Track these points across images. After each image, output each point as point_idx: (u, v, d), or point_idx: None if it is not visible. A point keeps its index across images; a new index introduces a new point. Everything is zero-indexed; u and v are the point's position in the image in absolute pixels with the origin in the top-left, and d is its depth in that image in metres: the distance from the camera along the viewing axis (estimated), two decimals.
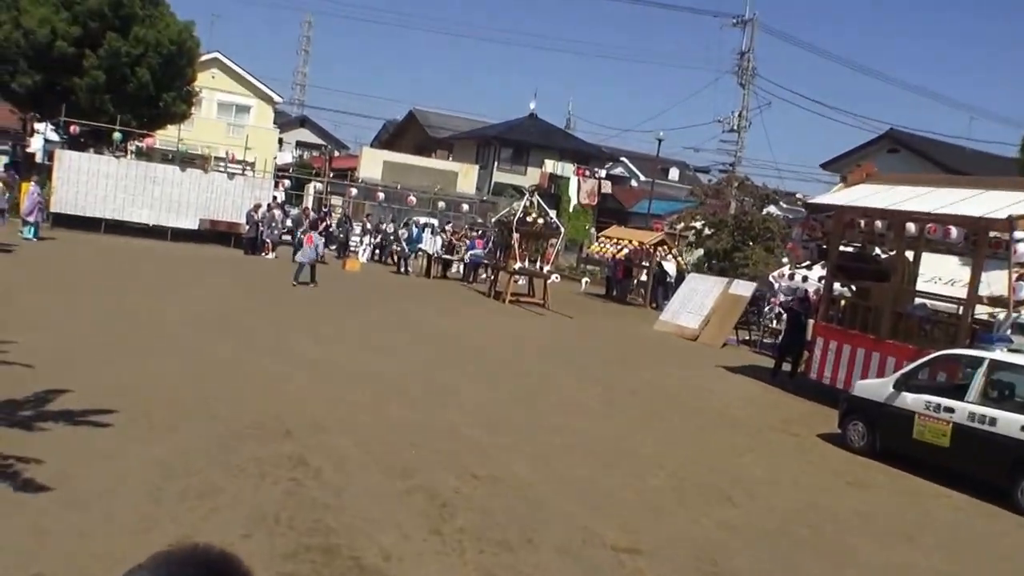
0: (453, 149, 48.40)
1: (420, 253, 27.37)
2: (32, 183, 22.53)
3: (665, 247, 26.17)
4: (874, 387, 10.34)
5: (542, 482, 7.38)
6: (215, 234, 26.30)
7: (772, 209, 29.12)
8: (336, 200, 35.15)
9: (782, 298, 20.40)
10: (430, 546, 5.71)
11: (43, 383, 8.03)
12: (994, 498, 8.58)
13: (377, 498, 6.45)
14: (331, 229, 28.62)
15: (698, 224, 29.61)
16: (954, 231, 11.89)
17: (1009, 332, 10.56)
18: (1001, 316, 11.42)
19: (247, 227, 25.45)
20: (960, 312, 12.53)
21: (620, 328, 20.31)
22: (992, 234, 11.79)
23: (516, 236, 21.81)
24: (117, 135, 25.96)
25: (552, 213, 24.63)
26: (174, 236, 25.40)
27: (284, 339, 12.57)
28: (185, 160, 29.61)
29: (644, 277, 27.13)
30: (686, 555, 6.20)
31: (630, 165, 58.47)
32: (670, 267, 26.41)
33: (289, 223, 27.60)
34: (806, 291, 18.29)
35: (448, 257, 27.39)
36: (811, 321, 15.40)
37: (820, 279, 16.25)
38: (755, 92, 37.50)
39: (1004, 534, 7.92)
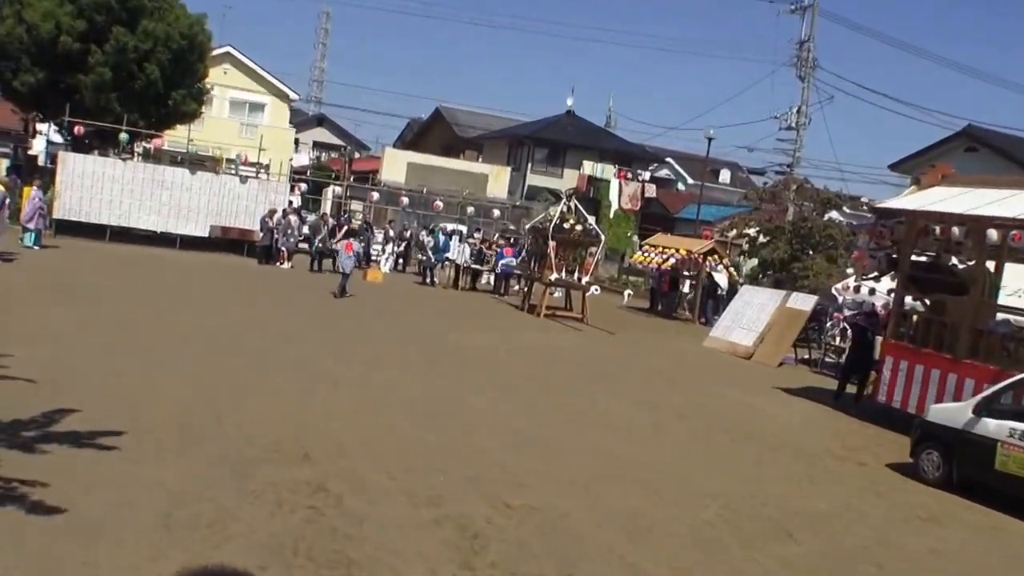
0: (483, 150, 48.69)
1: (447, 263, 27.53)
2: (34, 187, 23.07)
3: (715, 256, 26.09)
4: (951, 412, 10.22)
5: (581, 512, 7.38)
6: (227, 242, 26.67)
7: (834, 215, 28.88)
8: (356, 205, 35.51)
9: (846, 313, 20.23)
10: None
11: (46, 400, 8.23)
12: None
13: (402, 528, 6.49)
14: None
15: (752, 231, 29.49)
16: None
17: None
18: None
19: (261, 234, 25.71)
20: None
21: (666, 345, 20.25)
22: None
23: (552, 244, 21.88)
24: (124, 136, 26.47)
25: (591, 219, 24.67)
26: (183, 244, 25.87)
27: (302, 355, 12.73)
28: (195, 162, 30.20)
29: (689, 289, 27.04)
30: None
31: (676, 167, 58.42)
32: (721, 279, 26.31)
33: (306, 230, 27.80)
34: (873, 305, 18.24)
35: (477, 267, 27.53)
36: (879, 338, 15.30)
37: (889, 292, 16.11)
38: (815, 85, 37.38)
39: None
